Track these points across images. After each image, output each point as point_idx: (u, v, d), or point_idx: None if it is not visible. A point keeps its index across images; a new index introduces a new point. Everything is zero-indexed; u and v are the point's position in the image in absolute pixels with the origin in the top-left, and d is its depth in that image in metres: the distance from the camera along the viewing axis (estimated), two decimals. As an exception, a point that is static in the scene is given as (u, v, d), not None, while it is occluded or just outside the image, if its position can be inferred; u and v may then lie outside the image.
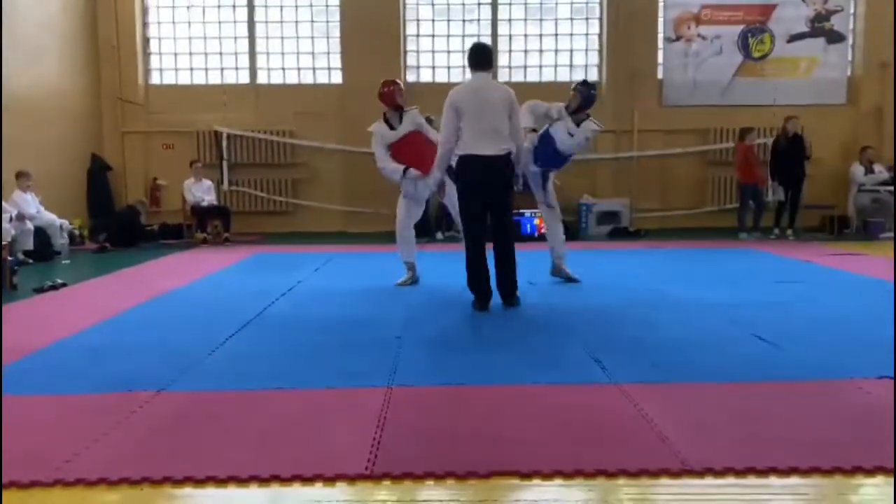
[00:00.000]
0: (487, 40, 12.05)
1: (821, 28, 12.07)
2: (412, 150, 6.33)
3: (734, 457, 2.61)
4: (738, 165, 10.70)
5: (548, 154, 6.33)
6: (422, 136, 6.37)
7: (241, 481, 2.48)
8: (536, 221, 10.49)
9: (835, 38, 12.09)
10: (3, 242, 7.15)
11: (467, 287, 5.50)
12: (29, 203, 8.89)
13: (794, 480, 2.48)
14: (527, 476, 2.50)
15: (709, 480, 2.48)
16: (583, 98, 6.34)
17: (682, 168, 12.02)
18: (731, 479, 2.48)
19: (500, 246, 5.47)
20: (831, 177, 11.61)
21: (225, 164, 11.66)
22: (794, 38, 12.06)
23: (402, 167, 6.30)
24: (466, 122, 5.31)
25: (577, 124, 6.30)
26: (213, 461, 2.63)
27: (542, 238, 10.25)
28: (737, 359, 3.98)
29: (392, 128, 6.35)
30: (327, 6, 12.09)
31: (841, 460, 2.57)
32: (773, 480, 2.48)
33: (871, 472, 2.51)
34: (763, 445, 2.74)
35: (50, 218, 9.09)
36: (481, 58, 5.52)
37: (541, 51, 12.24)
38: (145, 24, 12.12)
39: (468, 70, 5.58)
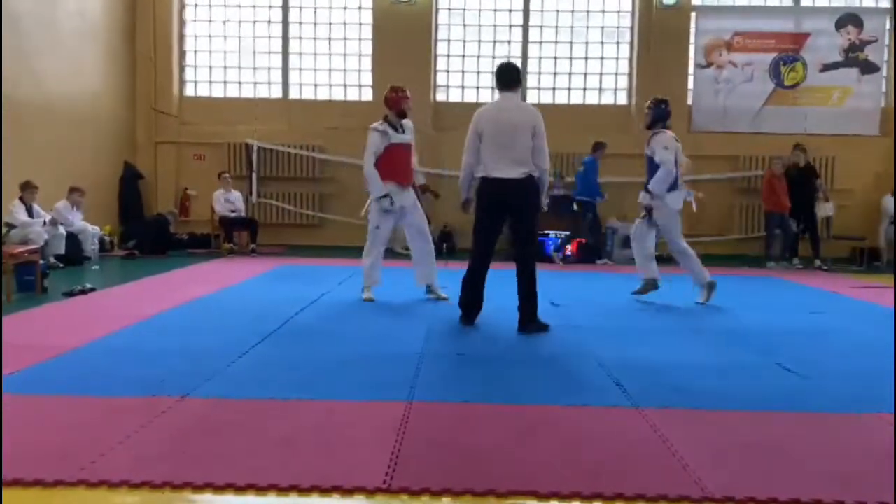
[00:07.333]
0: (518, 62, 12.15)
1: (854, 58, 11.97)
2: (401, 161, 6.54)
3: (756, 486, 2.58)
4: (764, 194, 10.61)
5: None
6: (410, 151, 6.71)
7: (261, 489, 2.50)
8: (559, 242, 10.46)
9: (869, 68, 11.98)
10: (34, 246, 7.31)
11: (458, 303, 5.53)
12: (72, 213, 9.07)
13: (816, 513, 2.45)
14: (545, 497, 2.49)
15: (729, 509, 2.45)
16: (654, 114, 6.97)
17: (709, 194, 11.87)
18: (752, 509, 2.45)
19: (521, 272, 5.31)
20: (863, 208, 11.47)
21: (254, 176, 11.81)
22: (827, 67, 11.98)
23: (383, 188, 6.44)
24: (486, 144, 5.28)
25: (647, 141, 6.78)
26: (234, 468, 2.65)
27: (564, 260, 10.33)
28: (761, 387, 3.94)
29: (396, 132, 6.50)
30: (360, 24, 12.25)
31: (866, 495, 2.53)
32: (796, 512, 2.44)
33: (896, 508, 2.47)
34: (786, 476, 2.70)
35: (82, 224, 9.26)
36: (509, 77, 5.41)
37: (570, 73, 12.28)
38: (182, 38, 12.36)
39: (496, 91, 5.55)
